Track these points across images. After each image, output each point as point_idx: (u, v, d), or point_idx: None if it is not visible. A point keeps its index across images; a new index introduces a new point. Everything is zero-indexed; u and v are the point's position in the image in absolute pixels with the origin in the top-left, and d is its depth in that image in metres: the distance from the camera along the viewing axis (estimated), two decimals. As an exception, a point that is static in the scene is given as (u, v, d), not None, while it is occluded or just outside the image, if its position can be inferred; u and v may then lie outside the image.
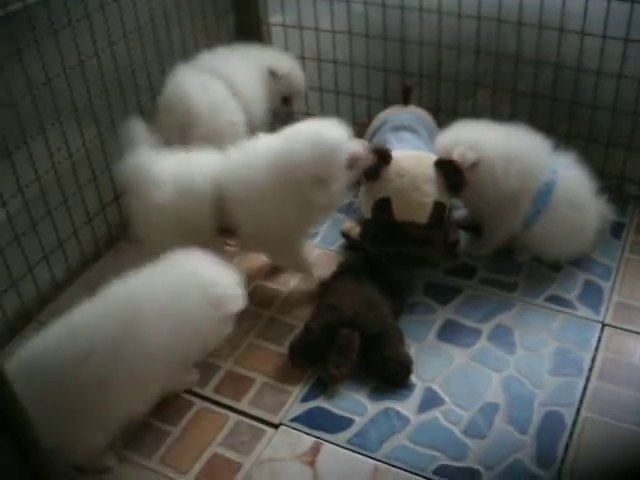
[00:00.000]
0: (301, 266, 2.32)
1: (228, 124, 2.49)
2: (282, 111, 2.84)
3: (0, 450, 1.47)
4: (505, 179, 2.20)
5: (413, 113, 2.44)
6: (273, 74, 2.72)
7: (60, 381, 1.68)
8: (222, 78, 2.53)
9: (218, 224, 2.14)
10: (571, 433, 1.88)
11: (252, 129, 2.55)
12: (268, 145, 2.11)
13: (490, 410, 1.95)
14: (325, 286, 2.22)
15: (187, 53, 2.69)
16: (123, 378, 1.73)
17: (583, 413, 1.93)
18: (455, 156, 2.17)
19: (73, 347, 1.71)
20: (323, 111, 3.07)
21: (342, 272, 2.22)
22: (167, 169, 2.15)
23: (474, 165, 2.18)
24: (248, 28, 3.03)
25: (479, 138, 2.23)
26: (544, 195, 2.23)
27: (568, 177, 2.26)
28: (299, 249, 2.26)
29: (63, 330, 1.76)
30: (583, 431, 1.88)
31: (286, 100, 2.82)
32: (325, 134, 2.05)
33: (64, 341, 1.73)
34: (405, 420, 1.95)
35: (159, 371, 1.83)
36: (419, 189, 2.10)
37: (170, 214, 2.11)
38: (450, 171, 2.13)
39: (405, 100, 2.49)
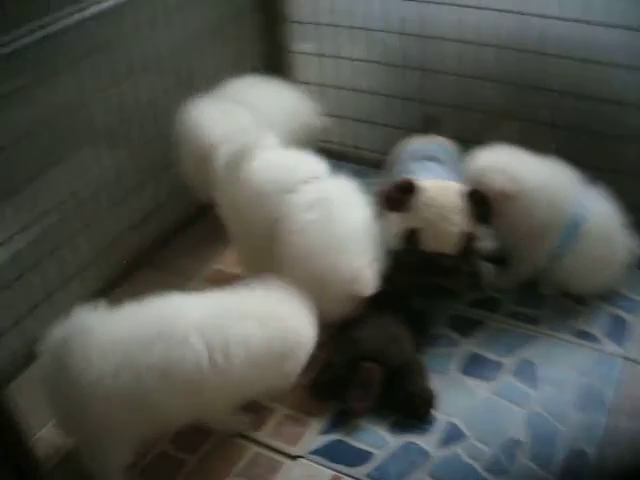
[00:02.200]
0: None
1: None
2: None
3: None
4: (539, 211, 2.19)
5: (436, 143, 2.43)
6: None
7: None
8: (250, 107, 2.49)
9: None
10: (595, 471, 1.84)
11: None
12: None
13: (512, 446, 1.92)
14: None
15: (210, 81, 2.65)
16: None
17: (607, 451, 1.89)
18: (496, 187, 2.16)
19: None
20: (342, 139, 3.06)
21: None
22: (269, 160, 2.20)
23: (512, 197, 2.18)
24: (273, 56, 3.03)
25: (516, 168, 2.22)
26: (574, 228, 2.22)
27: (598, 210, 2.24)
28: None
29: None
30: (608, 469, 1.84)
31: None
32: None
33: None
34: (425, 455, 1.91)
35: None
36: (448, 219, 2.07)
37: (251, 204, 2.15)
38: (478, 201, 2.10)
39: (426, 129, 2.47)
